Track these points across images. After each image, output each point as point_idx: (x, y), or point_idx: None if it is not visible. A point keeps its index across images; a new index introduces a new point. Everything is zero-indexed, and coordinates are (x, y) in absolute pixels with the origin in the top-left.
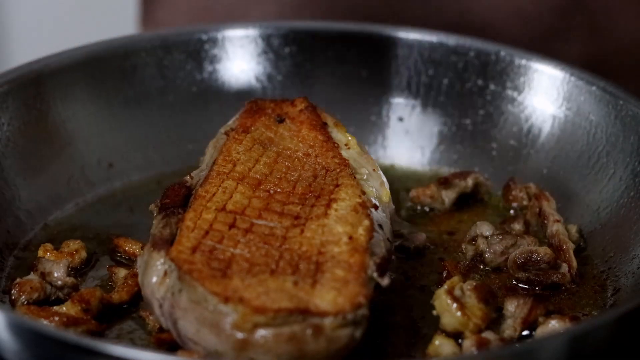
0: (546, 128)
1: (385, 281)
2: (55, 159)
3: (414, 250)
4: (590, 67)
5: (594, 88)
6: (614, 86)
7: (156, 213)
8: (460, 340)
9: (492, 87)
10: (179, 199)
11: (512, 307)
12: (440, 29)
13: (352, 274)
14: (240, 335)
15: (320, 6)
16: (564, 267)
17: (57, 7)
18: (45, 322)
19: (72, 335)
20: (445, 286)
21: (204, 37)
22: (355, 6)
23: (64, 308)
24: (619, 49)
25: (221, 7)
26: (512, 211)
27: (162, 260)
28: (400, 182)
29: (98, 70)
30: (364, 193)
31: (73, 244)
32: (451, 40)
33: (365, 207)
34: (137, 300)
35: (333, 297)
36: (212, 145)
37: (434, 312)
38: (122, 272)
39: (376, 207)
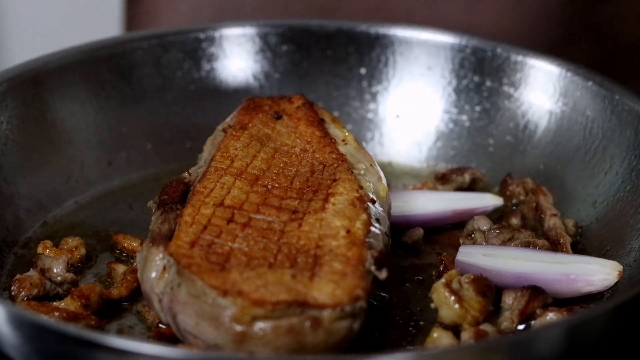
0: (543, 124)
1: (383, 274)
2: (54, 157)
3: (411, 244)
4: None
5: (590, 83)
6: (609, 81)
7: (155, 209)
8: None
9: (488, 83)
10: (177, 195)
11: (510, 300)
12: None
13: (350, 267)
14: (239, 328)
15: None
16: None
17: (55, 7)
18: (45, 317)
19: (73, 328)
20: (443, 279)
21: (202, 35)
22: None
23: (64, 304)
24: (622, 52)
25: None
26: (511, 205)
27: (160, 256)
28: (397, 178)
29: (96, 69)
30: (361, 188)
31: (72, 241)
32: (448, 37)
33: (362, 201)
34: (136, 295)
35: (331, 289)
36: (209, 142)
37: (432, 305)
38: (121, 268)
39: (374, 202)
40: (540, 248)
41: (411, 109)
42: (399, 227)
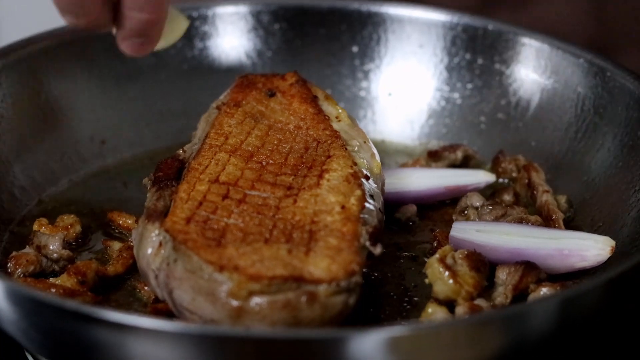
0: (534, 101)
1: (377, 250)
2: (48, 135)
3: (405, 221)
4: None
5: (581, 60)
6: (601, 58)
7: (150, 186)
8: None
9: (480, 61)
10: (172, 171)
11: (504, 275)
12: None
13: (345, 243)
14: (235, 303)
15: None
16: None
17: None
18: (43, 293)
19: (71, 302)
20: (437, 255)
21: (195, 14)
22: None
23: (60, 280)
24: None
25: None
26: (503, 181)
27: (156, 232)
28: (390, 156)
29: (90, 47)
30: (355, 164)
31: (68, 218)
32: (439, 15)
33: (357, 177)
34: (132, 272)
35: (327, 264)
36: (204, 120)
37: (426, 281)
38: (116, 245)
39: (368, 178)
40: (533, 224)
41: (403, 86)
42: (392, 203)
